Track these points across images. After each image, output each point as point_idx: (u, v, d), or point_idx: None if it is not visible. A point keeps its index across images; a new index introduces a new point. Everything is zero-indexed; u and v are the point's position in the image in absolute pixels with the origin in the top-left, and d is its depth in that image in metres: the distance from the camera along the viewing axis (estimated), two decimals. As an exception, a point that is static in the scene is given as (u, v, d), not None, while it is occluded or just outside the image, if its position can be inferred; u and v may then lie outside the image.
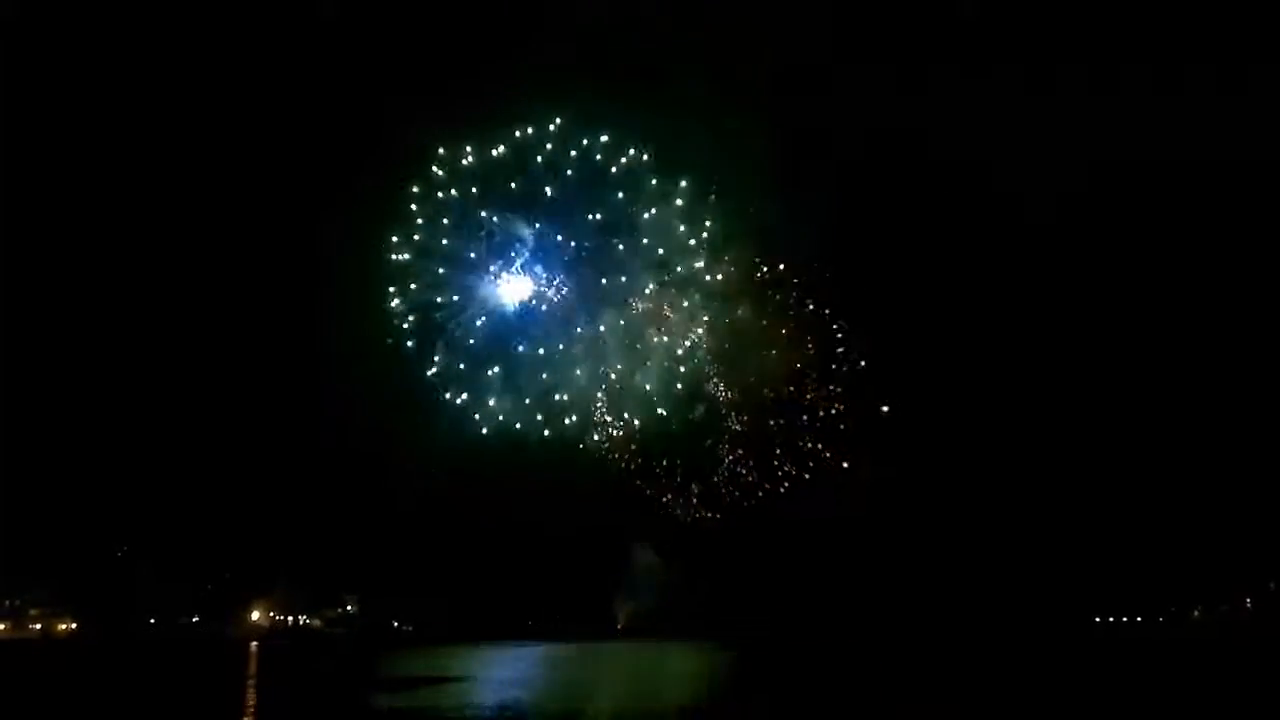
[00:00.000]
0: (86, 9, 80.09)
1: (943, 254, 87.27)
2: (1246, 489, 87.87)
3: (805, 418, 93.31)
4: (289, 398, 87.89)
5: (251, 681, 56.22)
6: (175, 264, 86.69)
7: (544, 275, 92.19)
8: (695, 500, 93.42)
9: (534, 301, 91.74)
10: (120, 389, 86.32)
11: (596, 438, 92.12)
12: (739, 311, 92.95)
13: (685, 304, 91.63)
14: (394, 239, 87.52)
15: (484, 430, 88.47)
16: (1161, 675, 56.05)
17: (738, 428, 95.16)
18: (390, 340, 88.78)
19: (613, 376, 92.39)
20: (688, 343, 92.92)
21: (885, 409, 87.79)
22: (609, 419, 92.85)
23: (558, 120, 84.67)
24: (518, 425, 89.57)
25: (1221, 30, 77.14)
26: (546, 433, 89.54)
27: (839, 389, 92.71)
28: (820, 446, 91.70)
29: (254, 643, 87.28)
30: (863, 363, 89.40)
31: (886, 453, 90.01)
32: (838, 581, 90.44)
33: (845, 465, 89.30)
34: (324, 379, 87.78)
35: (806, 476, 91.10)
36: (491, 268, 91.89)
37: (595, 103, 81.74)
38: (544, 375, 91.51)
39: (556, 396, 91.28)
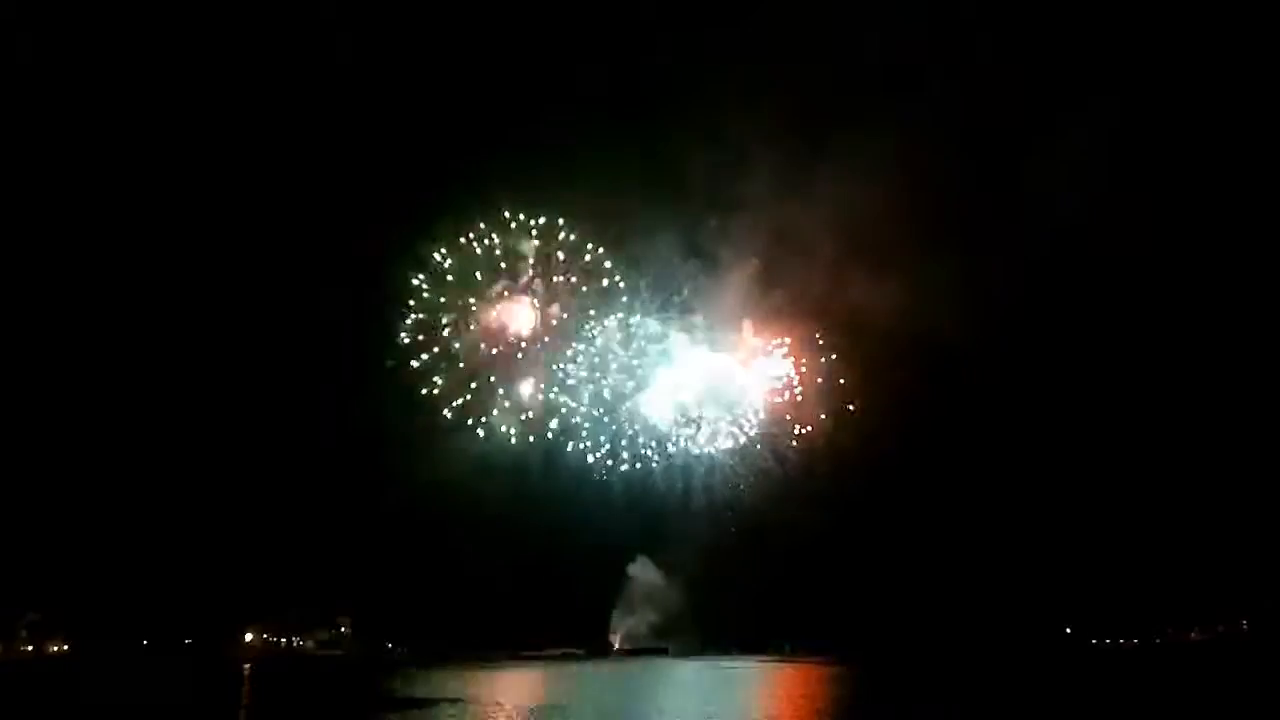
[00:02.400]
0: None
1: (936, 265, 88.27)
2: (1242, 512, 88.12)
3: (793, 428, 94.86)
4: (282, 421, 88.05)
5: (244, 704, 55.85)
6: (169, 297, 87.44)
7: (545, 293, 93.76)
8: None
9: (537, 322, 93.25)
10: (115, 412, 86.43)
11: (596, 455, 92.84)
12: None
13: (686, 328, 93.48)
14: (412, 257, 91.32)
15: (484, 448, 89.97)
16: (1157, 693, 55.86)
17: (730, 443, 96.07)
18: (392, 362, 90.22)
19: (609, 395, 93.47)
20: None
21: (851, 408, 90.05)
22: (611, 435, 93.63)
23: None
24: (514, 441, 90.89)
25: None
26: (547, 450, 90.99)
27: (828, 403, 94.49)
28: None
29: (247, 665, 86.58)
30: (841, 380, 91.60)
31: (882, 469, 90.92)
32: (837, 596, 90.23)
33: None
34: (319, 403, 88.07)
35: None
36: (499, 287, 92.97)
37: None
38: (547, 393, 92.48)
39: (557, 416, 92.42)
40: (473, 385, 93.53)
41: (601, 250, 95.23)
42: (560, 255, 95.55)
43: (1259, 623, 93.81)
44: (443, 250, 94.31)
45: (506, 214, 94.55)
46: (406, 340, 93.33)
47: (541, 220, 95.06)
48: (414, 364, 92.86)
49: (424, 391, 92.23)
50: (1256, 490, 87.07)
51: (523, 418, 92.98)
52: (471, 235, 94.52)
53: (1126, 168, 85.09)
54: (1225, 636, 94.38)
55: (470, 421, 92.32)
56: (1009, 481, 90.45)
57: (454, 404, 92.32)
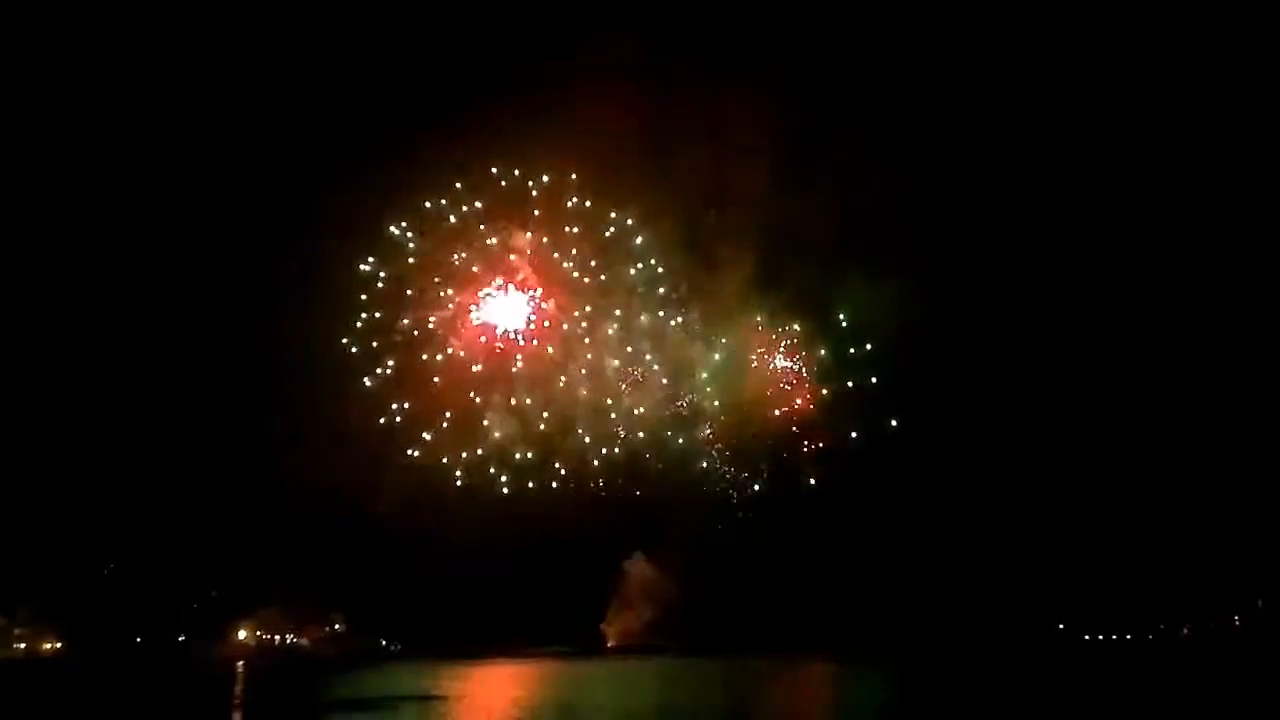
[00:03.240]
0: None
1: (936, 267, 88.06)
2: (1236, 507, 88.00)
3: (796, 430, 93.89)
4: (276, 417, 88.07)
5: (237, 702, 56.05)
6: (159, 290, 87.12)
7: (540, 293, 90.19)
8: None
9: (531, 321, 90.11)
10: (106, 407, 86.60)
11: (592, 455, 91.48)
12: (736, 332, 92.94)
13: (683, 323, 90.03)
14: (378, 251, 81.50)
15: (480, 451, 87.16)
16: (1151, 690, 55.86)
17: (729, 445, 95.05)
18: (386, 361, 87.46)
19: (609, 400, 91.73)
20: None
21: (894, 423, 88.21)
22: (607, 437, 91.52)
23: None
24: (516, 453, 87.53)
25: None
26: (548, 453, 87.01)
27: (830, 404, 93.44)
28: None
29: (240, 662, 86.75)
30: (872, 379, 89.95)
31: (881, 467, 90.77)
32: (834, 594, 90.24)
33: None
34: (310, 400, 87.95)
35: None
36: (492, 284, 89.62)
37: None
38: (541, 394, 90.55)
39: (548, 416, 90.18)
40: (448, 414, 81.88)
41: (630, 222, 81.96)
42: (574, 230, 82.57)
43: (1251, 619, 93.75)
44: (403, 224, 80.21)
45: (496, 170, 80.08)
46: (355, 350, 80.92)
47: (545, 179, 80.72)
48: (367, 381, 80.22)
49: (382, 421, 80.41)
50: (1251, 487, 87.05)
51: (518, 456, 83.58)
52: (445, 202, 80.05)
53: (1127, 164, 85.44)
54: (1218, 633, 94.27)
55: (446, 460, 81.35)
56: (1001, 479, 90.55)
57: (424, 436, 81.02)
